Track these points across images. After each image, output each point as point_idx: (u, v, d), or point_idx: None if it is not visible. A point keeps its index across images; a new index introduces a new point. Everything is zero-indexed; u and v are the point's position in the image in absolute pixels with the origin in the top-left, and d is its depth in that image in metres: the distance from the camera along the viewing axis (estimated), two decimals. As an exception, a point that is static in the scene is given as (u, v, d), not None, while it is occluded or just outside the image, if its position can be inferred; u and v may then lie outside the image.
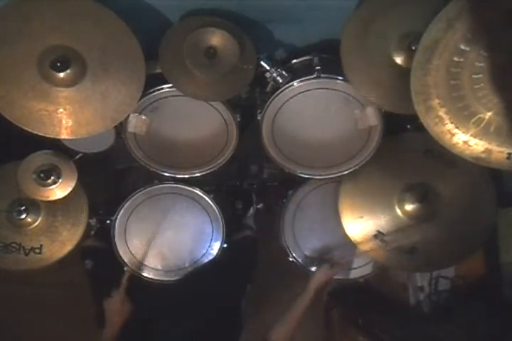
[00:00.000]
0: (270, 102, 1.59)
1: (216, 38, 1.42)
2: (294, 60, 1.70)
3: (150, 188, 1.81)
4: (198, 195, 1.82)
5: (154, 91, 1.57)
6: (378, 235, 1.69)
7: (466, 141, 1.28)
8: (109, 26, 1.40)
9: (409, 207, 1.66)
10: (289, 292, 1.71)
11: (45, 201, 1.69)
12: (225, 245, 1.82)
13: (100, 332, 1.56)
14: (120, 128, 1.63)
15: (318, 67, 1.54)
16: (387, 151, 1.67)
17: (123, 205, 1.81)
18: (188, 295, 1.72)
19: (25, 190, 1.65)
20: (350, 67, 1.45)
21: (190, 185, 1.80)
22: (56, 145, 1.67)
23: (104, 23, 1.40)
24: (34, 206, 1.73)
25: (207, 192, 1.82)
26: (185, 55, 1.42)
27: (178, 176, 1.74)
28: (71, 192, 1.68)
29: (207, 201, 1.82)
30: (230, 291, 1.76)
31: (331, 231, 1.84)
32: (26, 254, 1.74)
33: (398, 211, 1.68)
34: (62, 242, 1.75)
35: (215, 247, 1.83)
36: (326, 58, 1.62)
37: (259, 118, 1.63)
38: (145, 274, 1.82)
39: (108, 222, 1.84)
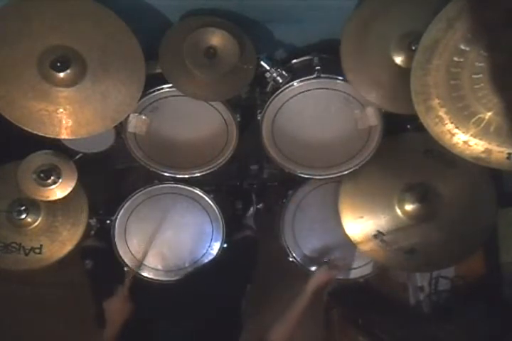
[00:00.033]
0: (270, 102, 1.59)
1: (216, 38, 1.42)
2: (294, 60, 1.70)
3: (150, 188, 1.81)
4: (198, 195, 1.82)
5: (154, 91, 1.57)
6: (378, 235, 1.69)
7: (466, 141, 1.28)
8: (109, 26, 1.40)
9: (409, 207, 1.66)
10: (289, 292, 1.70)
11: (45, 201, 1.69)
12: (225, 245, 1.82)
13: (100, 332, 1.56)
14: (120, 128, 1.63)
15: (318, 67, 1.54)
16: (387, 151, 1.67)
17: (123, 205, 1.81)
18: (188, 295, 1.72)
19: (25, 190, 1.65)
20: (350, 67, 1.45)
21: (190, 185, 1.80)
22: (56, 145, 1.67)
23: (104, 23, 1.40)
24: (34, 206, 1.73)
25: (207, 192, 1.82)
26: (185, 55, 1.42)
27: (178, 176, 1.75)
28: (71, 192, 1.69)
29: (207, 201, 1.82)
30: (230, 291, 1.76)
31: (331, 231, 1.84)
32: (26, 254, 1.74)
33: (398, 211, 1.68)
34: (62, 242, 1.75)
35: (215, 247, 1.83)
36: (326, 58, 1.62)
37: (259, 118, 1.63)
38: (145, 274, 1.82)
39: (108, 222, 1.85)
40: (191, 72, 1.45)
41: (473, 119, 1.25)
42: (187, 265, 1.83)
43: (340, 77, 1.53)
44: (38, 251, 1.74)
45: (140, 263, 1.80)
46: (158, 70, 1.52)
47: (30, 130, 1.44)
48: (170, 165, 1.74)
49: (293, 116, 1.64)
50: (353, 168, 1.68)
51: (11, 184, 1.69)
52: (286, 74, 1.57)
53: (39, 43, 1.38)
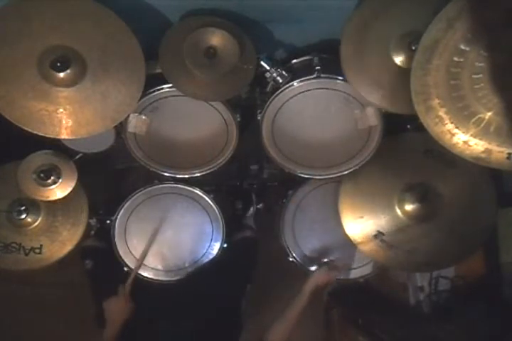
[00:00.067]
0: (270, 102, 1.59)
1: (216, 38, 1.42)
2: (294, 60, 1.70)
3: (150, 188, 1.81)
4: (198, 195, 1.82)
5: (154, 91, 1.57)
6: (378, 235, 1.69)
7: (466, 141, 1.28)
8: (109, 26, 1.40)
9: (409, 207, 1.66)
10: (289, 292, 1.70)
11: (45, 201, 1.69)
12: (225, 245, 1.82)
13: (100, 332, 1.56)
14: (120, 128, 1.63)
15: (318, 67, 1.54)
16: (387, 151, 1.67)
17: (123, 205, 1.81)
18: (188, 295, 1.72)
19: (25, 190, 1.65)
20: (350, 67, 1.45)
21: (190, 185, 1.80)
22: (56, 145, 1.67)
23: (104, 23, 1.40)
24: (34, 206, 1.73)
25: (207, 192, 1.82)
26: (185, 55, 1.42)
27: (178, 176, 1.74)
28: (71, 192, 1.69)
29: (207, 201, 1.82)
30: (230, 291, 1.76)
31: (331, 231, 1.84)
32: (26, 254, 1.74)
33: (398, 211, 1.68)
34: (62, 242, 1.75)
35: (215, 247, 1.83)
36: (326, 58, 1.62)
37: (259, 118, 1.63)
38: (145, 274, 1.82)
39: (108, 222, 1.85)
40: (191, 72, 1.45)
41: (473, 119, 1.25)
42: (187, 265, 1.83)
43: (340, 77, 1.53)
44: (38, 251, 1.74)
45: (140, 263, 1.80)
46: (158, 70, 1.52)
47: (30, 130, 1.44)
48: (170, 165, 1.74)
49: (293, 116, 1.64)
50: (353, 168, 1.68)
51: (11, 184, 1.69)
52: (286, 74, 1.57)
53: (39, 43, 1.38)
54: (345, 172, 1.69)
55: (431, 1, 1.29)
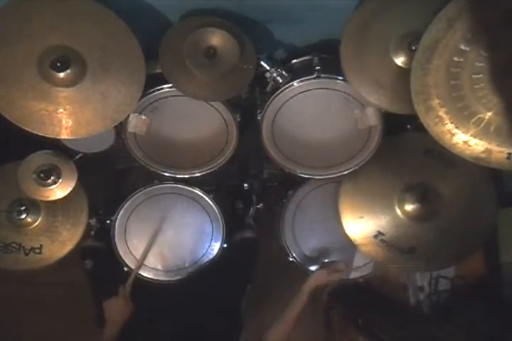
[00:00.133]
0: (270, 102, 1.59)
1: (216, 38, 1.42)
2: (294, 60, 1.70)
3: (150, 188, 1.81)
4: (198, 195, 1.82)
5: (154, 91, 1.57)
6: (378, 235, 1.69)
7: (466, 141, 1.28)
8: (109, 26, 1.40)
9: (409, 207, 1.66)
10: (288, 292, 1.70)
11: (45, 201, 1.69)
12: (225, 245, 1.82)
13: (100, 332, 1.56)
14: (120, 128, 1.63)
15: (318, 67, 1.54)
16: (387, 151, 1.67)
17: (123, 205, 1.81)
18: (188, 295, 1.72)
19: (25, 190, 1.65)
20: (350, 67, 1.45)
21: (190, 185, 1.80)
22: (56, 145, 1.67)
23: (104, 23, 1.40)
24: (34, 206, 1.73)
25: (207, 192, 1.82)
26: (185, 55, 1.42)
27: (178, 176, 1.74)
28: (71, 192, 1.68)
29: (207, 201, 1.82)
30: (230, 291, 1.76)
31: (331, 231, 1.84)
32: (26, 254, 1.74)
33: (398, 211, 1.68)
34: (62, 242, 1.75)
35: (215, 247, 1.83)
36: (326, 58, 1.61)
37: (259, 118, 1.63)
38: (145, 274, 1.81)
39: (108, 222, 1.84)
40: (191, 72, 1.45)
41: (473, 119, 1.26)
42: (187, 265, 1.83)
43: (340, 77, 1.53)
44: (38, 251, 1.74)
45: (140, 264, 1.80)
46: (158, 70, 1.52)
47: (30, 130, 1.44)
48: (170, 165, 1.74)
49: (293, 116, 1.64)
50: (353, 168, 1.68)
51: (11, 184, 1.69)
52: (286, 74, 1.57)
53: (39, 43, 1.38)
54: (345, 172, 1.69)
55: (431, 1, 1.29)
